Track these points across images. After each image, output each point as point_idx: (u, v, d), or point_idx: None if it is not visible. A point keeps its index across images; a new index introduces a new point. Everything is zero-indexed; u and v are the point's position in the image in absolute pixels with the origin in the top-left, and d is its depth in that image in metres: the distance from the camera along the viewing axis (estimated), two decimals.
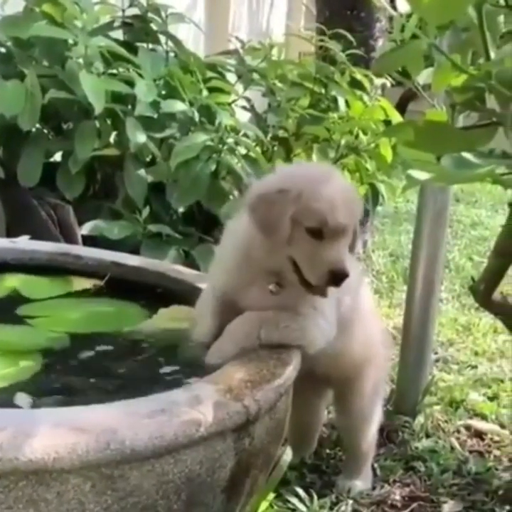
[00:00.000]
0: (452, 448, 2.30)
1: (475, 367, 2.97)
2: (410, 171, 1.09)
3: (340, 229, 1.52)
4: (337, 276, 1.49)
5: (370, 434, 2.03)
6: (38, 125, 2.73)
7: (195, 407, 1.26)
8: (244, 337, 1.51)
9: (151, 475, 1.19)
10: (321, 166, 1.72)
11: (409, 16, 1.45)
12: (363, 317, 1.84)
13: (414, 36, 1.34)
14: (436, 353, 2.99)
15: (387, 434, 2.33)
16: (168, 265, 2.16)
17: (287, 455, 1.75)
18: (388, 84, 4.10)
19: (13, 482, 1.10)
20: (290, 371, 1.48)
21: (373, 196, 3.59)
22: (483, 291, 1.62)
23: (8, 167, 2.73)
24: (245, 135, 3.08)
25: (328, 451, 2.20)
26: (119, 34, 3.12)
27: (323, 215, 1.51)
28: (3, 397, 1.33)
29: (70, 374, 1.46)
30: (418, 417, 2.43)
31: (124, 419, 1.19)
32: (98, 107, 2.50)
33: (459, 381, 2.77)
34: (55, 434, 1.13)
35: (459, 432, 2.42)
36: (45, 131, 2.82)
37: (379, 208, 4.91)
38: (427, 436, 2.36)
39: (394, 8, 1.39)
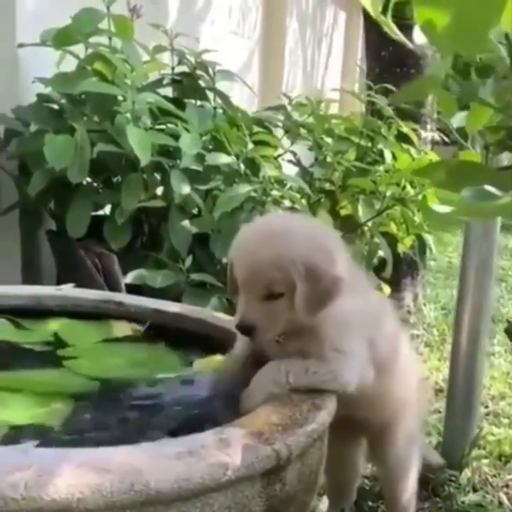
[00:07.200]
0: (500, 503, 2.23)
1: None
2: (433, 206, 1.08)
3: (242, 281, 1.52)
4: (240, 330, 1.52)
5: (410, 482, 1.96)
6: (87, 178, 2.79)
7: (222, 449, 1.23)
8: (273, 384, 1.49)
9: None
10: (269, 216, 1.78)
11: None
12: (401, 360, 1.80)
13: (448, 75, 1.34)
14: (486, 407, 2.92)
15: (432, 488, 2.26)
16: (209, 312, 2.16)
17: (323, 505, 1.72)
18: (436, 137, 4.10)
19: None
20: (324, 416, 1.44)
21: (420, 247, 3.57)
22: None
23: (58, 219, 2.80)
24: (291, 188, 3.10)
25: (370, 503, 2.15)
26: (169, 91, 3.21)
27: (231, 265, 1.57)
28: (31, 435, 1.34)
29: (99, 418, 1.46)
30: (465, 471, 2.36)
31: (150, 460, 1.17)
32: (144, 160, 2.55)
33: (509, 435, 2.69)
34: (80, 473, 1.12)
35: (507, 486, 2.35)
36: (95, 184, 2.87)
37: (432, 263, 4.89)
38: (474, 490, 2.29)
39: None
